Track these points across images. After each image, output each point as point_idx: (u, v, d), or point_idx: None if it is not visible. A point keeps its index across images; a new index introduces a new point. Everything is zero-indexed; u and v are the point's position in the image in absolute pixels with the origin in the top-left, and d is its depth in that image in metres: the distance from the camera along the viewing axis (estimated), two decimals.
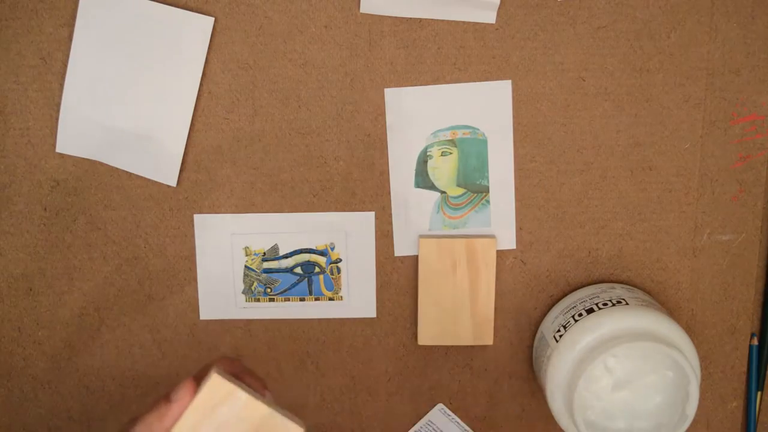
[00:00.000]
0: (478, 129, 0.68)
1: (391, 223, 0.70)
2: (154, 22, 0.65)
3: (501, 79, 0.68)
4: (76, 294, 0.70)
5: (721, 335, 0.72)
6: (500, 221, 0.70)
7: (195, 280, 0.70)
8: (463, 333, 0.71)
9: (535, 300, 0.72)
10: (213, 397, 0.50)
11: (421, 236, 0.69)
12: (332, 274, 0.71)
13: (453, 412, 0.73)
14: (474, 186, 0.69)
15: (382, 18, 0.66)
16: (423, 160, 0.69)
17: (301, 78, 0.67)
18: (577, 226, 0.70)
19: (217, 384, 0.50)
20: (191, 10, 0.65)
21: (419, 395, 0.73)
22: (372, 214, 0.69)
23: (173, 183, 0.68)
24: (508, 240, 0.70)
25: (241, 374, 0.55)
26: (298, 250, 0.70)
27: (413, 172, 0.69)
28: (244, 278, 0.71)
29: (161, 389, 0.72)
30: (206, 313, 0.71)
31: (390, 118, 0.68)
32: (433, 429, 0.73)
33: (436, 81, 0.68)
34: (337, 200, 0.69)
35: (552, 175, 0.69)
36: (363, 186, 0.69)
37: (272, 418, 0.51)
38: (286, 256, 0.70)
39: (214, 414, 0.50)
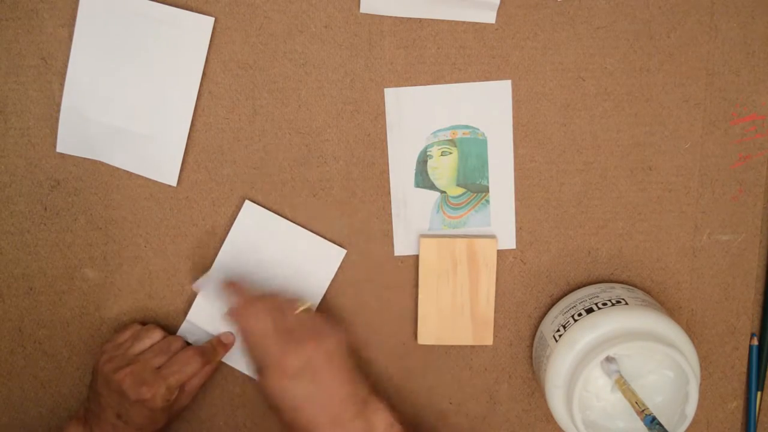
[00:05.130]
0: (478, 129, 0.68)
1: (391, 223, 0.70)
2: (154, 22, 0.65)
3: (501, 79, 0.68)
4: (76, 294, 0.70)
5: (721, 335, 0.72)
6: (500, 221, 0.70)
7: (195, 280, 0.70)
8: (463, 333, 0.71)
9: (535, 300, 0.72)
10: None
11: (422, 236, 0.69)
12: None
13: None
14: (474, 186, 0.69)
15: (382, 18, 0.66)
16: (423, 160, 0.69)
17: (301, 78, 0.67)
18: (577, 226, 0.70)
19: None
20: (191, 10, 0.66)
21: (419, 395, 0.73)
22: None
23: (173, 183, 0.68)
24: (508, 240, 0.70)
25: None
26: None
27: (413, 172, 0.69)
28: None
29: None
30: None
31: (390, 118, 0.68)
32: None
33: (436, 81, 0.68)
34: (337, 200, 0.69)
35: (552, 175, 0.69)
36: (363, 186, 0.69)
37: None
38: None
39: None
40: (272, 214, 0.69)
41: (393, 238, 0.70)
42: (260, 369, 0.62)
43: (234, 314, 0.64)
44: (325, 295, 0.70)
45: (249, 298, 0.65)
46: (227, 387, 0.72)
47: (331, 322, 0.65)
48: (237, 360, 0.71)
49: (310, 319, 0.64)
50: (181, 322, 0.70)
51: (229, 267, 0.69)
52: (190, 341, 0.70)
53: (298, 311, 0.64)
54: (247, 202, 0.69)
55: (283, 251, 0.69)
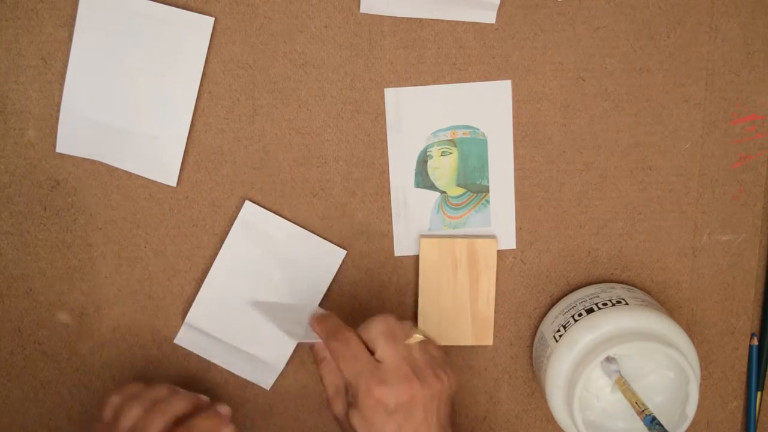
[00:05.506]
0: (478, 129, 0.68)
1: (391, 223, 0.70)
2: (154, 22, 0.65)
3: (501, 79, 0.68)
4: (76, 294, 0.70)
5: (721, 335, 0.72)
6: (500, 221, 0.70)
7: (195, 280, 0.70)
8: (463, 333, 0.71)
9: (535, 300, 0.72)
10: None
11: (422, 236, 0.69)
12: None
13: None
14: (474, 186, 0.69)
15: (382, 18, 0.66)
16: (423, 160, 0.69)
17: (301, 78, 0.67)
18: (577, 226, 0.70)
19: None
20: (191, 10, 0.65)
21: None
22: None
23: (173, 183, 0.68)
24: (508, 240, 0.70)
25: None
26: None
27: (413, 172, 0.69)
28: None
29: None
30: None
31: (390, 118, 0.68)
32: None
33: (436, 81, 0.68)
34: (337, 200, 0.69)
35: (552, 175, 0.69)
36: (363, 186, 0.69)
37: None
38: None
39: None
40: (272, 214, 0.69)
41: (393, 238, 0.70)
42: (354, 396, 0.58)
43: (328, 342, 0.60)
44: (325, 295, 0.70)
45: (346, 325, 0.61)
46: (227, 388, 0.72)
47: (446, 362, 0.61)
48: (231, 363, 0.71)
49: (422, 355, 0.59)
50: (181, 323, 0.70)
51: (228, 268, 0.69)
52: (189, 348, 0.70)
53: (409, 341, 0.59)
54: (247, 202, 0.69)
55: (283, 251, 0.69)
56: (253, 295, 0.70)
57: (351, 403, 0.58)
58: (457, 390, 0.59)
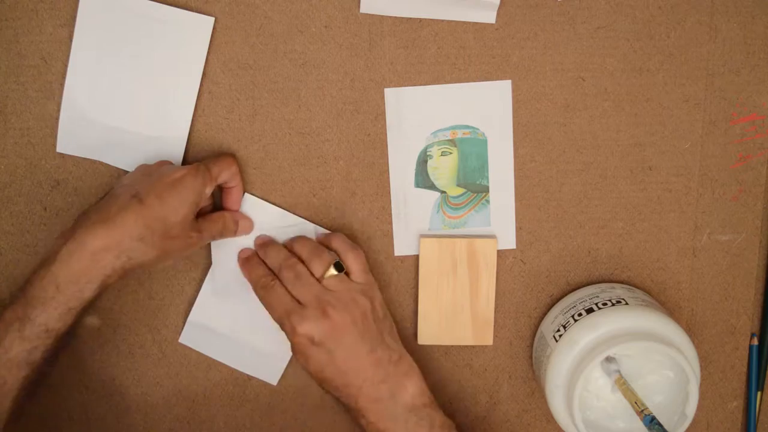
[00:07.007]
0: (478, 129, 0.68)
1: (391, 223, 0.70)
2: (154, 22, 0.65)
3: (501, 79, 0.68)
4: None
5: (721, 335, 0.72)
6: (500, 221, 0.70)
7: (195, 280, 0.70)
8: (463, 333, 0.71)
9: (535, 300, 0.72)
10: None
11: (422, 236, 0.69)
12: None
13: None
14: (474, 186, 0.69)
15: (382, 18, 0.66)
16: (423, 160, 0.69)
17: (301, 78, 0.67)
18: (577, 226, 0.70)
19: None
20: (191, 10, 0.66)
21: None
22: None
23: None
24: (508, 240, 0.70)
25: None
26: None
27: (413, 172, 0.69)
28: None
29: (162, 388, 0.72)
30: None
31: (390, 118, 0.68)
32: None
33: (436, 81, 0.68)
34: (337, 200, 0.69)
35: (552, 175, 0.69)
36: (363, 186, 0.69)
37: None
38: None
39: None
40: (271, 205, 0.69)
41: (393, 238, 0.70)
42: (286, 335, 0.63)
43: (256, 291, 0.66)
44: None
45: (268, 273, 0.66)
46: (227, 387, 0.72)
47: (363, 285, 0.65)
48: (236, 360, 0.71)
49: (337, 286, 0.64)
50: (182, 322, 0.70)
51: (230, 262, 0.69)
52: (193, 347, 0.71)
53: (325, 277, 0.64)
54: (246, 194, 0.68)
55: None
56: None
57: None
58: (382, 303, 0.66)
